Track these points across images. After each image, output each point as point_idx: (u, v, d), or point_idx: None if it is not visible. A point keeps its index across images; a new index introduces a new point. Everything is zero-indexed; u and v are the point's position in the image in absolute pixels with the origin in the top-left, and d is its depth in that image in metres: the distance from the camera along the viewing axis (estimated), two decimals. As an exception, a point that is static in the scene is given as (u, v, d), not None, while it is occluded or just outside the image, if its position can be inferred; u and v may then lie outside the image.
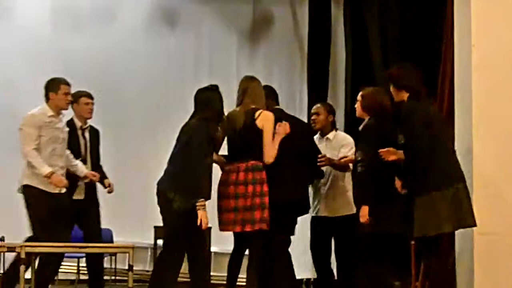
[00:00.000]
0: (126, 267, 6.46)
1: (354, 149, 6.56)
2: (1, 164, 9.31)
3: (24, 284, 5.88)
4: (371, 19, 8.78)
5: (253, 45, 9.97)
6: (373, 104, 6.10)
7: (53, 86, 6.64)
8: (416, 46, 8.18)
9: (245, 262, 6.27)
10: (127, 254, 6.23)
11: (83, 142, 7.04)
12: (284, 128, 6.12)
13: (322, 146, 6.82)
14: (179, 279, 6.02)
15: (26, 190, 6.48)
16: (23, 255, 5.77)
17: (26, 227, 8.65)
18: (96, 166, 7.08)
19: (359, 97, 6.28)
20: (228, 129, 6.12)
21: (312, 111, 7.03)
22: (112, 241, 8.87)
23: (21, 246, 5.86)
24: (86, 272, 7.40)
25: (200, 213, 5.75)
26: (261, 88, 6.31)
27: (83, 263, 9.04)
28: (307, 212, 6.61)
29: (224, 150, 6.33)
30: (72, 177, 6.77)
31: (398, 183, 5.85)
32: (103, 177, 7.10)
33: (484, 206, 5.99)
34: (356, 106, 6.31)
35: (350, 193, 6.59)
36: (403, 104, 5.65)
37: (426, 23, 8.14)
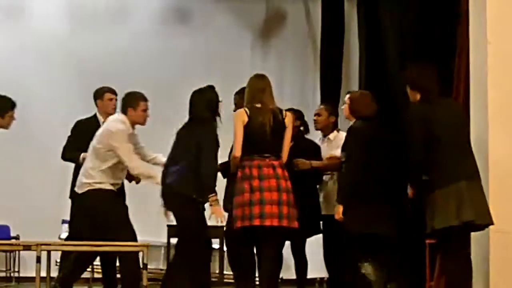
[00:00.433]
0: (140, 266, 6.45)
1: None
2: (16, 165, 9.35)
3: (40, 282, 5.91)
4: (384, 16, 8.74)
5: (266, 43, 9.98)
6: (360, 107, 6.31)
7: (131, 101, 6.53)
8: (431, 43, 8.14)
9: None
10: (141, 253, 6.21)
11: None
12: None
13: (323, 146, 7.06)
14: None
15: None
16: (39, 254, 5.77)
17: (41, 225, 8.76)
18: None
19: (346, 100, 6.46)
20: (254, 125, 6.12)
21: (314, 112, 7.20)
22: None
23: (37, 245, 5.86)
24: (100, 270, 7.43)
25: (215, 208, 5.93)
26: None
27: (98, 261, 9.10)
28: None
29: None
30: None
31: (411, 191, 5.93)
32: None
33: (499, 203, 5.96)
34: (343, 108, 6.49)
35: None
36: (409, 106, 5.78)
37: (441, 19, 8.09)
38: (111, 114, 7.07)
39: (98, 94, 7.16)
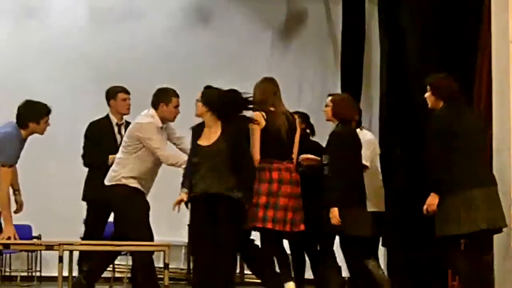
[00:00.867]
0: (161, 265, 6.46)
1: (367, 150, 6.81)
2: (37, 165, 9.39)
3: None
4: (405, 16, 8.71)
5: (286, 42, 9.98)
6: (342, 110, 6.42)
7: (164, 96, 6.53)
8: (452, 43, 8.11)
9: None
10: (162, 253, 6.22)
11: (119, 138, 7.01)
12: None
13: None
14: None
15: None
16: (61, 254, 5.79)
17: (62, 225, 8.80)
18: None
19: (329, 102, 6.56)
20: (271, 129, 6.19)
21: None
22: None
23: (59, 244, 5.89)
24: (121, 270, 7.46)
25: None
26: None
27: (118, 261, 9.11)
28: None
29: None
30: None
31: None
32: None
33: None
34: (325, 110, 6.58)
35: None
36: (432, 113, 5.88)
37: (462, 20, 8.06)
38: (125, 114, 7.08)
39: (111, 94, 7.13)
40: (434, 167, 5.66)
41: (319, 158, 6.52)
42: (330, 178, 6.23)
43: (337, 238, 6.45)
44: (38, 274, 9.35)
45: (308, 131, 7.25)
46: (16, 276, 9.40)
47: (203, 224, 6.08)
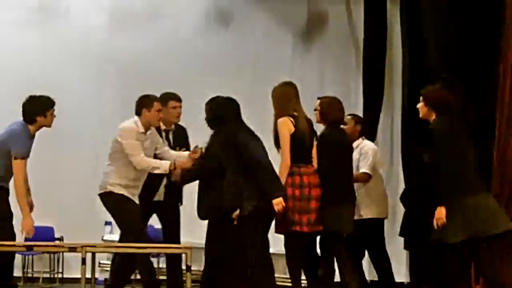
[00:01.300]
0: (183, 268, 6.47)
1: (369, 159, 7.23)
2: (60, 167, 9.43)
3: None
4: (427, 20, 8.66)
5: (307, 44, 9.95)
6: (330, 111, 6.56)
7: (146, 102, 6.64)
8: (475, 47, 8.07)
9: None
10: (184, 255, 6.23)
11: (166, 145, 7.00)
12: None
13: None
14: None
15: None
16: (84, 255, 5.81)
17: (83, 227, 8.84)
18: None
19: (317, 106, 6.65)
20: (299, 134, 6.30)
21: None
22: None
23: (82, 246, 5.91)
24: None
25: None
26: None
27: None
28: None
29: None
30: (154, 180, 6.83)
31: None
32: None
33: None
34: (315, 113, 6.67)
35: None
36: (432, 124, 6.04)
37: (484, 21, 8.02)
38: (175, 122, 7.06)
39: (161, 101, 6.94)
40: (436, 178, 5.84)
41: None
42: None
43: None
44: (60, 275, 9.40)
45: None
46: (39, 278, 9.44)
47: None
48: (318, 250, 6.72)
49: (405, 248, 8.11)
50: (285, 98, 6.39)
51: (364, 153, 7.30)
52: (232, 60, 9.88)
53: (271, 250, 6.37)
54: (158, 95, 6.94)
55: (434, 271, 7.08)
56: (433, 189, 5.95)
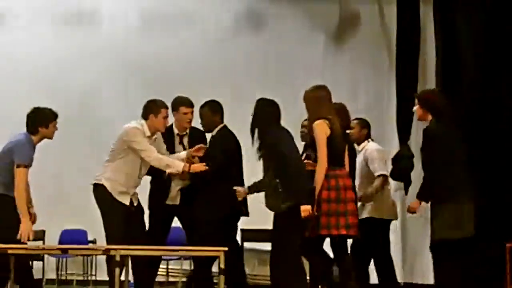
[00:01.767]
0: (215, 270, 6.46)
1: (378, 161, 7.24)
2: (92, 169, 9.46)
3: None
4: (460, 15, 8.59)
5: (339, 45, 9.90)
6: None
7: (153, 108, 6.73)
8: (508, 41, 7.99)
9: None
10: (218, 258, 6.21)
11: (180, 148, 7.06)
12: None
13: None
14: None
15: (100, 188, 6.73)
16: (118, 258, 5.82)
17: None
18: None
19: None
20: (335, 137, 6.30)
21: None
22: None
23: (116, 249, 5.92)
24: (174, 274, 7.46)
25: None
26: None
27: (172, 265, 9.15)
28: None
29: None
30: (164, 183, 6.86)
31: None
32: None
33: None
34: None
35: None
36: (426, 127, 6.24)
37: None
38: (186, 128, 7.08)
39: (173, 105, 7.06)
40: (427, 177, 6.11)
41: None
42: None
43: None
44: (93, 278, 9.43)
45: None
46: (72, 280, 9.49)
47: None
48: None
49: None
50: (319, 101, 6.38)
51: (369, 156, 7.30)
52: (262, 62, 9.88)
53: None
54: (190, 97, 6.97)
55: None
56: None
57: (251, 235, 8.85)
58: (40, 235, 9.45)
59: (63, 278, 9.41)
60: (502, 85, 8.31)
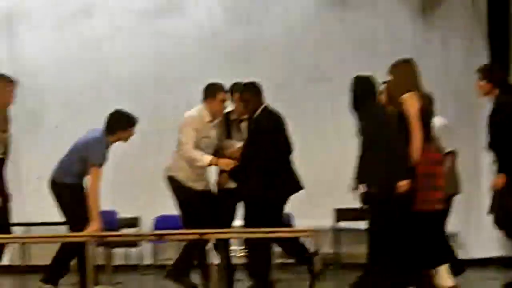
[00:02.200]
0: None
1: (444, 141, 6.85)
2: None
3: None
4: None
5: (428, 20, 9.71)
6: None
7: (210, 91, 6.78)
8: None
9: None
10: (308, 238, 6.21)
11: (238, 135, 7.02)
12: None
13: None
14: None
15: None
16: (214, 242, 5.86)
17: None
18: None
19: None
20: (423, 109, 6.21)
21: None
22: (291, 225, 8.95)
23: (211, 233, 5.96)
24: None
25: None
26: None
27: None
28: None
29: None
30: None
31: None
32: None
33: None
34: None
35: None
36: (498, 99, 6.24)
37: None
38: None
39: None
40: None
41: None
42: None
43: None
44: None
45: None
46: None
47: None
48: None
49: None
50: (407, 75, 6.31)
51: (436, 133, 7.04)
52: (350, 41, 9.75)
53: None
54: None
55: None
56: None
57: (345, 214, 8.82)
58: (135, 222, 9.65)
59: (159, 264, 9.53)
60: None
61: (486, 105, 6.97)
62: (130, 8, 10.00)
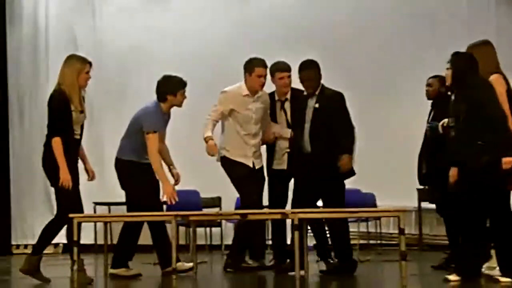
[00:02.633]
0: (389, 231, 6.33)
1: None
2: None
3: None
4: None
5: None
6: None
7: (247, 66, 6.85)
8: None
9: None
10: (391, 219, 6.09)
11: (282, 115, 6.99)
12: None
13: None
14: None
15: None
16: (296, 221, 5.80)
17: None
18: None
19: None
20: (509, 89, 6.12)
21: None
22: (375, 206, 8.86)
23: (293, 213, 5.91)
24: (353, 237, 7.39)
25: None
26: None
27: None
28: None
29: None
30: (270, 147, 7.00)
31: None
32: None
33: None
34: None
35: None
36: None
37: None
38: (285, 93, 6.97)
39: (271, 70, 6.94)
40: None
41: None
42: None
43: None
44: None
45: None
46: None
47: None
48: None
49: None
50: (488, 57, 6.16)
51: None
52: (430, 22, 9.79)
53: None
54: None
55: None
56: None
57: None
58: (216, 202, 9.67)
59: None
60: None
61: None
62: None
